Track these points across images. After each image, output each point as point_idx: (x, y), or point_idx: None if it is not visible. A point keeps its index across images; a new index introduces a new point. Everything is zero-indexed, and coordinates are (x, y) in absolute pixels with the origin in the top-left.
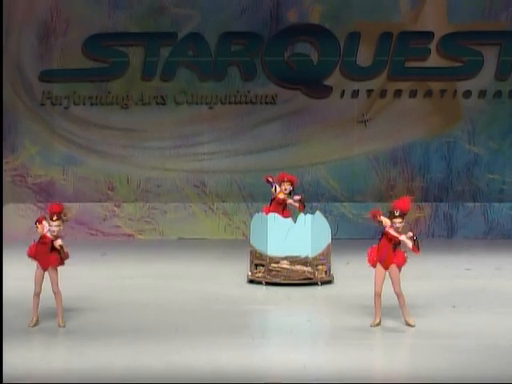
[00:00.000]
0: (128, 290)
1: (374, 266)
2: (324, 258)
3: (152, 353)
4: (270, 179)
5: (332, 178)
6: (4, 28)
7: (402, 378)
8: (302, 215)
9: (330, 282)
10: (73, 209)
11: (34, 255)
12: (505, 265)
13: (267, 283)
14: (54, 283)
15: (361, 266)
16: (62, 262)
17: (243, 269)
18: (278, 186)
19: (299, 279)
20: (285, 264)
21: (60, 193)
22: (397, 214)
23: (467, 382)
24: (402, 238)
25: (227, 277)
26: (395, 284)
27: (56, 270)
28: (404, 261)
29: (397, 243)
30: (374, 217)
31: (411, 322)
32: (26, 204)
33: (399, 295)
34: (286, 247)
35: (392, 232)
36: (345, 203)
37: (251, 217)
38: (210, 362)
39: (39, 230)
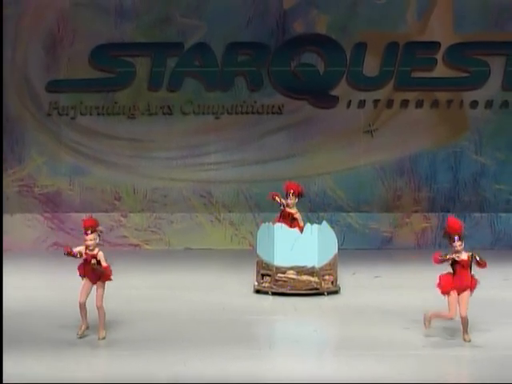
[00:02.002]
0: (134, 300)
1: (447, 294)
2: (330, 268)
3: (159, 363)
4: (278, 199)
5: (338, 188)
6: (11, 39)
7: None
8: (308, 225)
9: (336, 292)
10: (79, 219)
11: (83, 274)
12: None
13: (273, 293)
14: (99, 298)
15: (367, 277)
16: (110, 277)
17: (250, 279)
18: (283, 200)
19: (306, 289)
20: (291, 274)
21: (67, 203)
22: (456, 238)
23: None
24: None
25: (234, 287)
26: (463, 308)
27: (104, 284)
28: (476, 285)
29: (470, 266)
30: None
31: (467, 338)
32: (33, 214)
33: (464, 318)
34: (293, 257)
35: (461, 257)
36: (351, 213)
37: (258, 227)
38: (217, 372)
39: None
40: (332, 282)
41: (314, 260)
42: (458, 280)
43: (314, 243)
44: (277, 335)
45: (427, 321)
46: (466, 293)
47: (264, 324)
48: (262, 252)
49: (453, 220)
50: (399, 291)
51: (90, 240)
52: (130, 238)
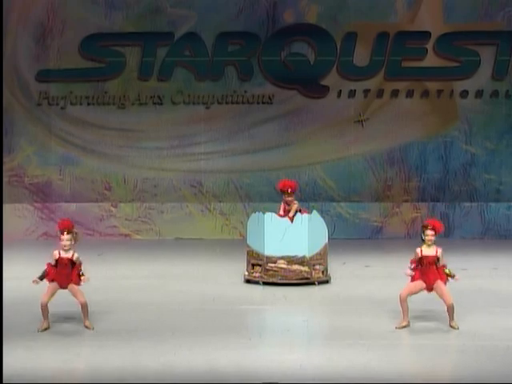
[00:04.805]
0: (124, 290)
1: (413, 280)
2: (321, 258)
3: (149, 353)
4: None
5: (329, 177)
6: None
7: (398, 378)
8: (298, 215)
9: (326, 281)
10: (69, 209)
11: (52, 279)
12: (501, 265)
13: (264, 283)
14: (79, 296)
15: (357, 266)
16: (80, 283)
17: (240, 269)
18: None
19: (296, 279)
20: (282, 264)
21: (57, 193)
22: (430, 228)
23: (464, 382)
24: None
25: (224, 277)
26: (446, 298)
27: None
28: (446, 277)
29: (437, 261)
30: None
31: (455, 325)
32: (23, 204)
33: (450, 307)
34: (283, 247)
35: (427, 253)
36: (341, 203)
37: (248, 217)
38: (207, 362)
39: (68, 243)
40: (322, 272)
41: (304, 250)
42: (425, 273)
43: (304, 233)
44: (267, 325)
45: (402, 325)
46: (439, 284)
47: (254, 314)
48: (252, 242)
49: (435, 219)
50: (389, 281)
51: (67, 240)
52: (121, 227)
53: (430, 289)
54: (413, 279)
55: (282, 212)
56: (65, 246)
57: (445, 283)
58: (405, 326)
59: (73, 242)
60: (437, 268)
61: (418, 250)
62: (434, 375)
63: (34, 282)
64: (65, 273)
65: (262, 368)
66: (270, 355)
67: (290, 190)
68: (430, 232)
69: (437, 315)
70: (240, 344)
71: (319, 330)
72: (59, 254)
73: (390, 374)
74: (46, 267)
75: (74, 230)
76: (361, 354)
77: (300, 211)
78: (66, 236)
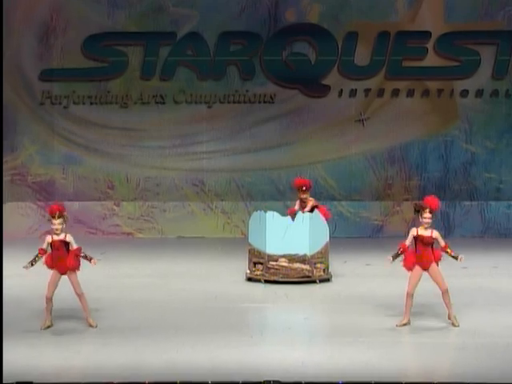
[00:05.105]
0: (127, 288)
1: (411, 269)
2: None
3: (151, 351)
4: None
5: (330, 176)
6: (4, 28)
7: (399, 375)
8: (299, 213)
9: (328, 280)
10: (72, 207)
11: (51, 265)
12: (501, 263)
13: (266, 281)
14: (76, 285)
15: (358, 265)
16: (79, 266)
17: (242, 267)
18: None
19: (297, 277)
20: (283, 262)
21: (60, 192)
22: (427, 211)
23: (464, 381)
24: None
25: (226, 275)
26: (441, 282)
27: (75, 272)
28: (441, 255)
29: (433, 243)
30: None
31: (455, 322)
32: (26, 203)
33: (445, 293)
34: (285, 245)
35: (423, 233)
36: (342, 202)
37: (250, 215)
38: (209, 359)
39: (59, 226)
40: (324, 270)
41: (305, 248)
42: (420, 256)
43: (305, 231)
44: (268, 323)
45: (402, 323)
46: (433, 267)
47: (256, 312)
48: (253, 240)
49: (432, 197)
50: (390, 279)
51: (59, 224)
52: (123, 226)
53: (426, 268)
54: (409, 268)
55: (296, 207)
56: (56, 229)
57: (437, 263)
58: (405, 324)
59: (64, 226)
60: (433, 250)
61: (414, 229)
62: (435, 373)
63: (24, 267)
64: (60, 255)
65: (263, 365)
66: (271, 353)
67: (304, 188)
68: (428, 215)
69: (437, 313)
70: (242, 342)
71: (320, 328)
72: (52, 237)
73: (390, 372)
74: (38, 252)
75: (65, 214)
76: (362, 351)
77: (317, 207)
78: (57, 220)
